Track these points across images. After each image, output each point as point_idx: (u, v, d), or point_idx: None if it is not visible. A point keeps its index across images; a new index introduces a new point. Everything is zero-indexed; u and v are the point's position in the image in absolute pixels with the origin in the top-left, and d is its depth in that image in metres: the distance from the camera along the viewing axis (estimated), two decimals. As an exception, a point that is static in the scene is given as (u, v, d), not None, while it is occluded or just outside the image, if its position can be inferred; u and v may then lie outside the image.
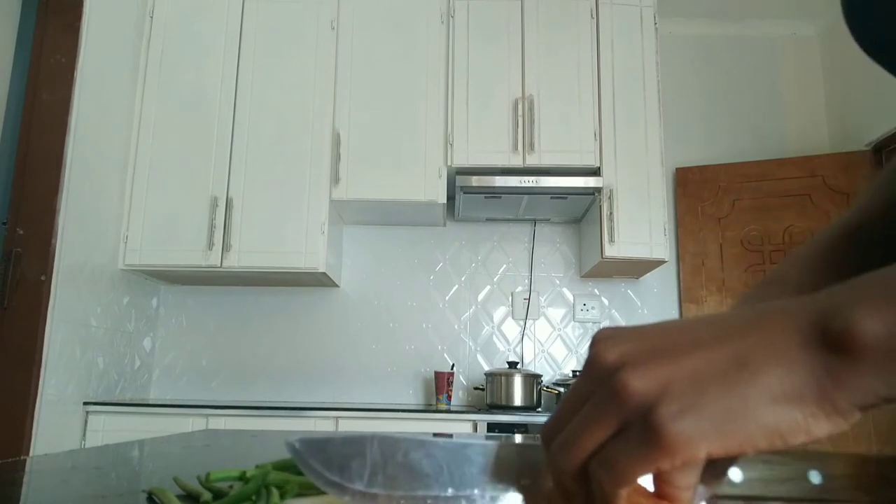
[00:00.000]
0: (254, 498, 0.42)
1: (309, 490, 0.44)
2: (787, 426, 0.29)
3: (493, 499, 0.36)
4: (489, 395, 2.70)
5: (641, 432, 0.30)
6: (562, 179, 2.68)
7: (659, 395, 0.30)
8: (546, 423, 0.35)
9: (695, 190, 3.20)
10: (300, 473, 0.49)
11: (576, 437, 0.32)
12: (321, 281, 2.89)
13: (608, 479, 0.30)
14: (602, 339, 0.33)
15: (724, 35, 3.40)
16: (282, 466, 0.51)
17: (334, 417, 2.45)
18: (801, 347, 0.29)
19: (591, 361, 0.33)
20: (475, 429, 2.42)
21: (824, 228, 0.57)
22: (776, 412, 0.29)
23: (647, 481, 0.31)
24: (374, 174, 2.76)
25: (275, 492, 0.41)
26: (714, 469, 0.33)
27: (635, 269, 2.91)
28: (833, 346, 0.29)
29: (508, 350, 3.05)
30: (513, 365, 2.77)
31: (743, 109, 3.32)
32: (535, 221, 3.13)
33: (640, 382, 0.30)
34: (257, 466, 0.52)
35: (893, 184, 0.56)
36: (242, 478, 0.50)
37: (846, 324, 0.28)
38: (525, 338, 3.06)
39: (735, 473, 0.34)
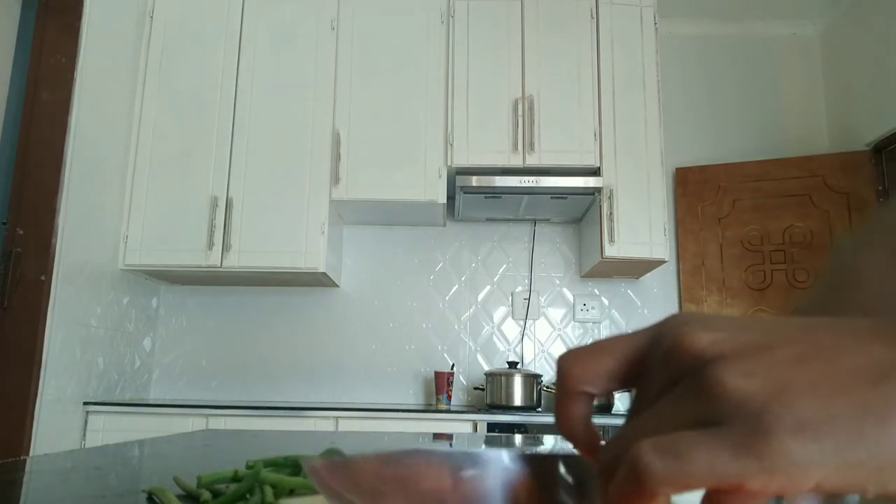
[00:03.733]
0: (248, 496, 0.42)
1: (302, 489, 0.44)
2: None
3: None
4: (489, 395, 2.70)
5: (741, 433, 0.22)
6: (562, 179, 2.68)
7: (767, 400, 0.22)
8: (608, 443, 0.26)
9: (695, 190, 3.20)
10: (296, 473, 0.50)
11: (637, 431, 0.24)
12: (321, 281, 2.90)
13: (660, 468, 0.22)
14: (684, 323, 0.25)
15: (724, 35, 3.39)
16: (272, 464, 0.52)
17: (334, 417, 2.45)
18: None
19: (671, 350, 0.25)
20: (475, 429, 2.43)
21: (877, 218, 0.46)
22: None
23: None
24: (374, 174, 2.76)
25: (268, 490, 0.41)
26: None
27: (635, 269, 2.91)
28: None
29: (508, 350, 3.05)
30: (513, 365, 2.77)
31: (743, 109, 3.32)
32: (535, 221, 3.13)
33: (741, 381, 0.22)
34: (248, 465, 0.52)
35: None
36: (235, 478, 0.50)
37: None
38: (525, 338, 3.06)
39: None
